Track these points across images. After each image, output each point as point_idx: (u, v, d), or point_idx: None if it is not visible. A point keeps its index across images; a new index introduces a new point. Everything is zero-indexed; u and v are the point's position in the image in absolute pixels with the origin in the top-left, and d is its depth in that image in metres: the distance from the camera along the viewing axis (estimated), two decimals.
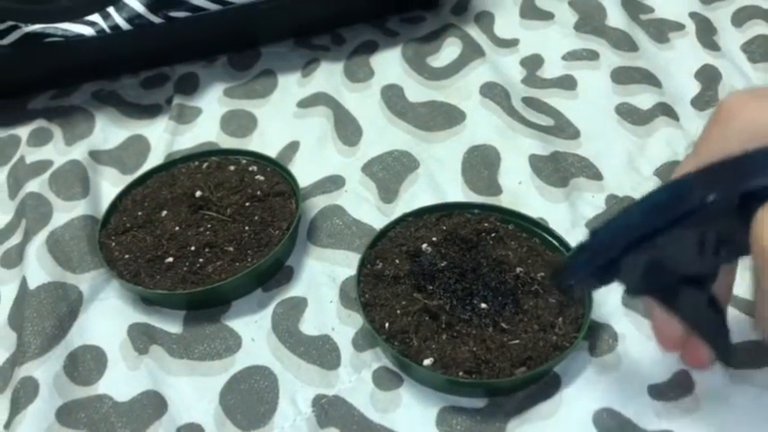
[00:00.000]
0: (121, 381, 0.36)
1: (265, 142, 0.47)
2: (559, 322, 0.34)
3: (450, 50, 0.53)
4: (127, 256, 0.39)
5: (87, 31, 0.48)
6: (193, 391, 0.35)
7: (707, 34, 0.53)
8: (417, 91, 0.50)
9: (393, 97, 0.50)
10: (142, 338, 0.37)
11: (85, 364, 0.36)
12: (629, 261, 0.25)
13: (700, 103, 0.48)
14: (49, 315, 0.38)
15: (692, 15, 0.54)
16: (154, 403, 0.35)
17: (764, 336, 0.24)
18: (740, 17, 0.54)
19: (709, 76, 0.50)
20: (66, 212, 0.43)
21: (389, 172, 0.45)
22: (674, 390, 0.33)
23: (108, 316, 0.39)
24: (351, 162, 0.46)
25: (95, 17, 0.48)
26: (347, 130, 0.48)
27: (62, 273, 0.40)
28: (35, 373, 0.35)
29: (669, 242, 0.24)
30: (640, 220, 0.25)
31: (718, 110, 0.26)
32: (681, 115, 0.47)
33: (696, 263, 0.25)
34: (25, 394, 0.34)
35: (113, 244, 0.40)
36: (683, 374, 0.34)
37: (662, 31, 0.54)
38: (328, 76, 0.51)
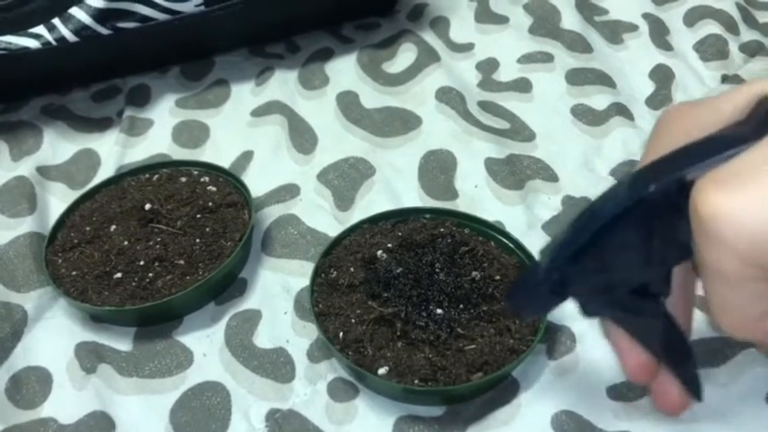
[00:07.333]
0: (67, 402, 0.34)
1: (218, 153, 0.47)
2: (516, 325, 0.34)
3: (405, 56, 0.52)
4: (74, 273, 0.38)
5: (32, 43, 0.47)
6: (143, 410, 0.34)
7: (660, 34, 0.53)
8: (373, 97, 0.49)
9: (348, 104, 0.49)
10: (90, 357, 0.36)
11: (29, 386, 0.35)
12: (578, 272, 0.25)
13: (654, 102, 0.48)
14: None
15: (645, 16, 0.55)
16: (101, 424, 0.33)
17: (714, 328, 0.23)
18: (692, 17, 0.54)
19: (662, 76, 0.50)
20: (10, 230, 0.42)
21: (345, 179, 0.44)
22: (633, 390, 0.33)
23: (54, 335, 0.37)
24: (306, 170, 0.45)
25: (40, 29, 0.47)
26: (302, 138, 0.47)
27: (6, 292, 0.39)
28: None
29: (615, 245, 0.24)
30: (584, 224, 0.24)
31: (657, 122, 0.26)
32: (636, 115, 0.47)
33: (644, 268, 0.24)
34: None
35: (60, 261, 0.39)
36: None
37: (616, 32, 0.54)
38: (282, 84, 0.51)
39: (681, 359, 0.26)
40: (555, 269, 0.25)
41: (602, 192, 0.24)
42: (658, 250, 0.23)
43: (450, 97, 0.48)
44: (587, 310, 0.27)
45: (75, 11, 0.47)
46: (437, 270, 0.36)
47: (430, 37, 0.54)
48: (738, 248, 0.20)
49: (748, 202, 0.20)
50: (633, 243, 0.23)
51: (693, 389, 0.27)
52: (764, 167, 0.20)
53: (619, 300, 0.25)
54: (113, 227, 0.40)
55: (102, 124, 0.50)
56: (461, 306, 0.35)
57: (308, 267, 0.39)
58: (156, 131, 0.48)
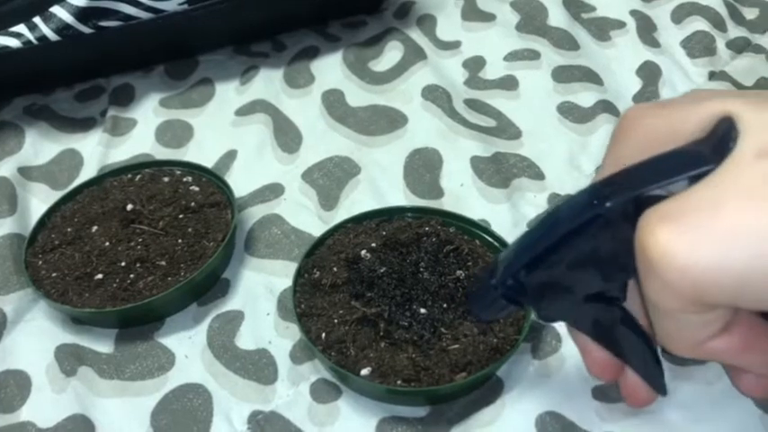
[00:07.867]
0: (46, 406, 0.34)
1: (202, 152, 0.46)
2: (500, 324, 0.33)
3: (392, 54, 0.52)
4: (54, 275, 0.38)
5: (13, 42, 0.46)
6: (123, 413, 0.34)
7: (647, 31, 0.53)
8: (358, 95, 0.49)
9: (334, 102, 0.49)
10: (70, 360, 0.35)
11: (8, 390, 0.34)
12: (533, 280, 0.25)
13: (641, 99, 0.48)
14: None
15: (633, 13, 0.54)
16: (80, 428, 0.33)
17: (660, 346, 0.23)
18: (679, 14, 0.54)
19: (649, 73, 0.50)
20: None
21: (330, 178, 0.44)
22: (617, 391, 0.32)
23: (34, 338, 0.37)
24: (290, 169, 0.45)
25: (21, 28, 0.46)
26: (287, 137, 0.47)
27: None
28: None
29: (571, 255, 0.23)
30: (541, 235, 0.24)
31: (618, 124, 0.25)
32: (622, 112, 0.47)
33: (600, 277, 0.24)
34: None
35: (40, 262, 0.39)
36: None
37: (603, 29, 0.54)
38: (267, 82, 0.50)
39: (642, 358, 0.26)
40: (509, 276, 0.25)
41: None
42: (615, 262, 0.23)
43: (436, 95, 0.48)
44: (543, 316, 0.27)
45: (56, 9, 0.46)
46: (421, 269, 0.36)
47: (416, 35, 0.53)
48: (681, 289, 0.19)
49: (694, 244, 0.19)
50: (590, 254, 0.23)
51: (657, 385, 0.26)
52: (713, 207, 0.19)
53: (575, 306, 0.25)
54: (95, 228, 0.40)
55: (85, 124, 0.49)
56: (445, 305, 0.34)
57: (292, 268, 0.38)
58: (140, 131, 0.48)
